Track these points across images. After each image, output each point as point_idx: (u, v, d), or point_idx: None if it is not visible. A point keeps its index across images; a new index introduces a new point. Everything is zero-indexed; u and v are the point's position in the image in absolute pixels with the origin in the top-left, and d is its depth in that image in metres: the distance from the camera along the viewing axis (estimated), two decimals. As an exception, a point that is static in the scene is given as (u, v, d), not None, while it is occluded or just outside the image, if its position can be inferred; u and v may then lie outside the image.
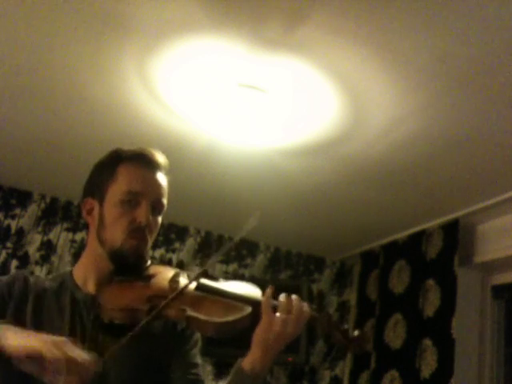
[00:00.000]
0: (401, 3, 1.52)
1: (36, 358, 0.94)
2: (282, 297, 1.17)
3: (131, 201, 1.22)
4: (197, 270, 1.27)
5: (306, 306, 1.17)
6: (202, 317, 1.13)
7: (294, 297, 1.17)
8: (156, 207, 1.26)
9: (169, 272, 1.25)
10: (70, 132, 2.55)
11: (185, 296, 1.16)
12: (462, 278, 2.76)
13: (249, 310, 1.15)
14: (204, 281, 1.22)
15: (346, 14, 1.59)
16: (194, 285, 1.20)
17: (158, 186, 1.27)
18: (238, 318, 1.14)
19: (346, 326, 1.19)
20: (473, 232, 2.88)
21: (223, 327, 1.14)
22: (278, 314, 1.14)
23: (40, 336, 1.00)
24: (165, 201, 1.28)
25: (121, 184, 1.24)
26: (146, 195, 1.24)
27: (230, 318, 1.13)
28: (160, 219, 1.29)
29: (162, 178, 1.29)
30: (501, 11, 1.49)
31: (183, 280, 1.20)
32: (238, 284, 1.25)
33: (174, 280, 1.21)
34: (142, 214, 1.21)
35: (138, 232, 1.22)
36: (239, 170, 2.66)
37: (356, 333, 1.19)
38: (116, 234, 1.21)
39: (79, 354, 0.97)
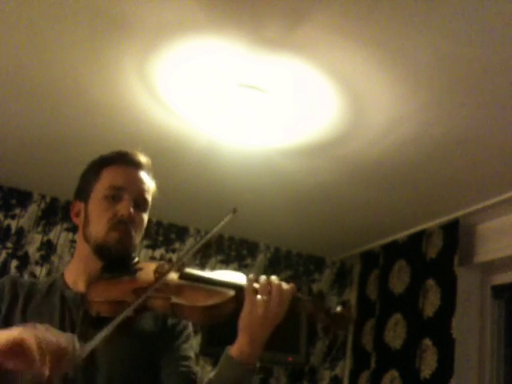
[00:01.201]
0: (401, 3, 1.52)
1: (18, 349, 0.91)
2: (262, 279, 1.18)
3: (114, 196, 1.25)
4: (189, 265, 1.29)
5: (286, 286, 1.18)
6: (185, 303, 1.16)
7: (273, 277, 1.18)
8: (139, 203, 1.28)
9: (154, 265, 1.27)
10: (70, 132, 2.55)
11: (169, 285, 1.19)
12: (461, 277, 2.76)
13: (231, 293, 1.18)
14: (187, 269, 1.25)
15: (346, 14, 1.59)
16: (177, 274, 1.23)
17: (140, 181, 1.30)
18: (221, 302, 1.16)
19: (329, 306, 1.20)
20: (473, 232, 2.88)
21: (207, 312, 1.16)
22: (258, 296, 1.15)
23: (11, 330, 0.96)
24: (149, 197, 1.31)
25: (104, 182, 1.28)
26: (128, 189, 1.27)
27: (213, 301, 1.16)
28: (146, 216, 1.31)
29: (144, 176, 1.32)
30: (501, 11, 1.49)
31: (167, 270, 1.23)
32: (223, 272, 1.28)
33: (159, 271, 1.23)
34: (123, 207, 1.24)
35: (120, 225, 1.24)
36: (239, 170, 2.66)
37: (338, 309, 1.20)
38: (99, 228, 1.24)
39: (60, 338, 0.95)
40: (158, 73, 1.99)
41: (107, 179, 1.27)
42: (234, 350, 1.14)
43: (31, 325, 0.98)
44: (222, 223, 1.25)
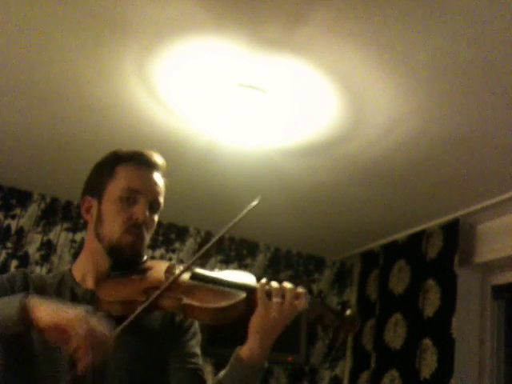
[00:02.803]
0: (401, 3, 1.52)
1: (59, 331, 0.99)
2: (275, 283, 1.20)
3: (129, 198, 1.26)
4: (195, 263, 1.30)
5: (300, 289, 1.20)
6: (197, 304, 1.16)
7: (285, 282, 1.21)
8: (153, 205, 1.30)
9: (164, 265, 1.28)
10: (70, 132, 2.55)
11: (180, 285, 1.20)
12: (462, 278, 2.76)
13: (243, 295, 1.19)
14: (198, 270, 1.26)
15: (345, 14, 1.59)
16: (188, 275, 1.23)
17: (155, 184, 1.31)
18: (232, 304, 1.17)
19: (338, 307, 1.22)
20: (473, 232, 2.88)
21: (218, 313, 1.17)
22: (273, 300, 1.17)
23: (62, 309, 1.04)
24: (161, 200, 1.32)
25: (120, 181, 1.28)
26: (144, 193, 1.27)
27: (224, 303, 1.17)
28: (156, 218, 1.32)
29: (159, 177, 1.33)
30: (501, 11, 1.49)
31: (178, 271, 1.23)
32: (233, 272, 1.29)
33: (170, 271, 1.24)
34: (139, 210, 1.25)
35: (134, 228, 1.25)
36: (239, 170, 2.66)
37: (348, 312, 1.22)
38: (113, 230, 1.25)
39: (97, 326, 1.00)
40: (157, 73, 1.99)
41: (123, 179, 1.28)
42: (244, 352, 1.16)
43: (85, 310, 1.02)
44: (243, 213, 1.25)
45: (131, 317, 1.08)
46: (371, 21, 1.60)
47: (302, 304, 1.19)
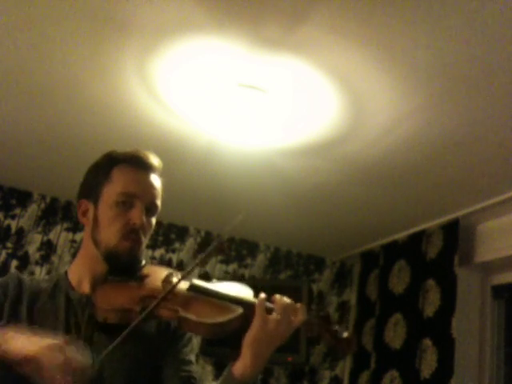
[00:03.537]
0: (401, 3, 1.52)
1: (33, 363, 0.95)
2: (274, 297, 1.18)
3: (126, 202, 1.24)
4: (193, 270, 1.27)
5: (299, 306, 1.18)
6: (193, 317, 1.14)
7: (285, 298, 1.18)
8: (150, 209, 1.27)
9: (162, 272, 1.26)
10: (70, 132, 2.55)
11: (177, 296, 1.18)
12: (461, 277, 2.75)
13: (240, 311, 1.17)
14: (196, 281, 1.23)
15: (346, 14, 1.59)
16: (186, 285, 1.21)
17: (152, 187, 1.28)
18: (229, 319, 1.15)
19: (335, 327, 1.19)
20: (473, 232, 2.88)
21: (214, 328, 1.15)
22: (274, 314, 1.14)
23: (36, 339, 1.00)
24: (159, 202, 1.30)
25: (115, 185, 1.25)
26: (141, 197, 1.25)
27: (221, 319, 1.14)
28: (154, 220, 1.30)
29: (155, 179, 1.30)
30: (501, 11, 1.49)
31: (176, 280, 1.21)
32: (231, 285, 1.26)
33: (167, 280, 1.22)
34: (136, 215, 1.23)
35: (132, 233, 1.23)
36: (239, 170, 2.66)
37: (345, 334, 1.19)
38: (110, 235, 1.22)
39: (75, 356, 0.97)
40: (157, 73, 1.99)
41: (119, 183, 1.25)
42: (236, 369, 1.13)
43: (57, 338, 0.99)
44: (230, 226, 1.22)
45: (123, 334, 1.05)
46: (371, 21, 1.60)
47: (300, 320, 1.16)
